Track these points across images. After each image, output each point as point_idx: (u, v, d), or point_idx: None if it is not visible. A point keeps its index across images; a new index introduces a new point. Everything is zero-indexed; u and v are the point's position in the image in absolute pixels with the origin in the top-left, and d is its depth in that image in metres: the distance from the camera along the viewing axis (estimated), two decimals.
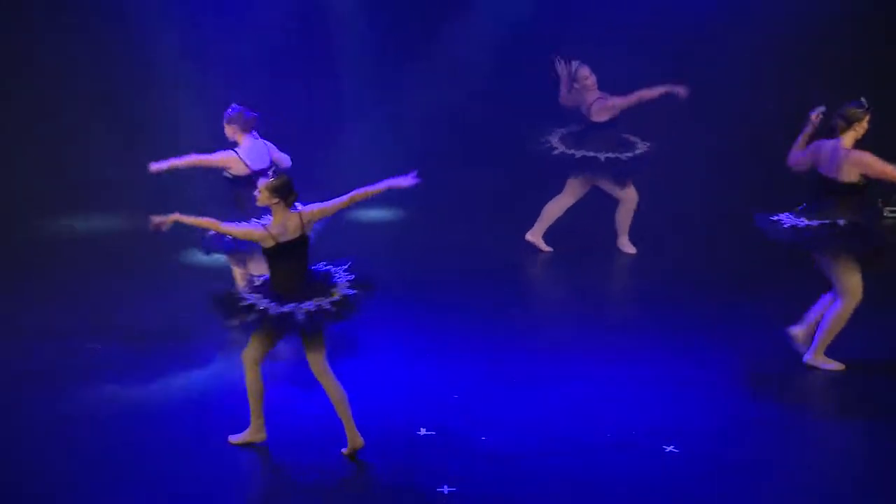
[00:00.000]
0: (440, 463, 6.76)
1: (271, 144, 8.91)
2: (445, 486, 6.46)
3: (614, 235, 10.85)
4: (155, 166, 8.73)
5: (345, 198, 6.94)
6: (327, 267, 7.03)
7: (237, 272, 8.95)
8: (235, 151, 8.75)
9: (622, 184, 10.65)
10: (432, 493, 6.40)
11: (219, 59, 12.12)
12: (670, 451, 6.85)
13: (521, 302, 9.72)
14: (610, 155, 10.43)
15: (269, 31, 12.26)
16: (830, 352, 8.06)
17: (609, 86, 10.77)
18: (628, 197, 10.69)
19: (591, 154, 10.43)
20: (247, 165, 8.70)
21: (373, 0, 12.23)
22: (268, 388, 7.15)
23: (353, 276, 6.93)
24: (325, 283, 6.88)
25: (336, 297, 6.78)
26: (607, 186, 10.69)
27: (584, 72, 10.51)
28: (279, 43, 12.31)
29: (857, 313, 8.00)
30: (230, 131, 8.79)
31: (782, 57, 11.61)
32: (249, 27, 12.27)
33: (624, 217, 10.80)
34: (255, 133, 8.85)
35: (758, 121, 11.65)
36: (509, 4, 12.21)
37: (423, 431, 7.16)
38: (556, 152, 10.57)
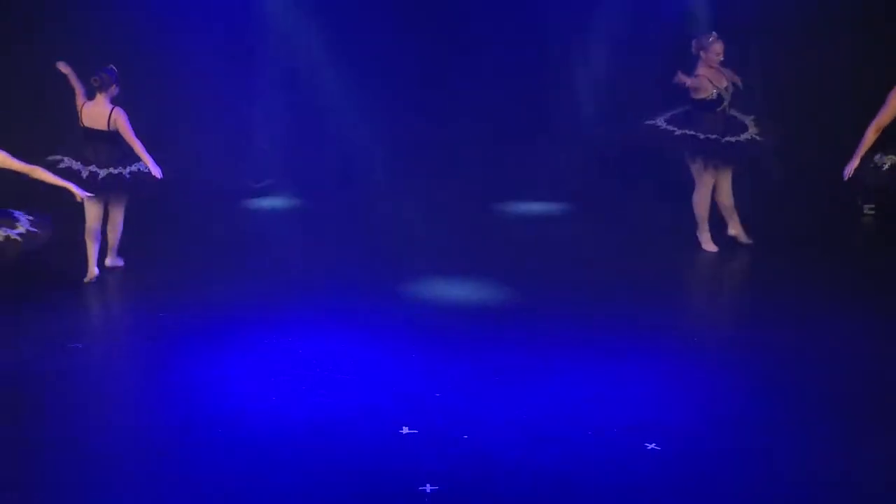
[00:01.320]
0: (422, 461, 6.76)
1: (124, 119, 9.81)
2: (428, 485, 6.45)
3: (601, 229, 11.00)
4: (63, 65, 9.98)
5: (28, 166, 8.20)
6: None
7: (92, 213, 10.07)
8: (84, 105, 9.89)
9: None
10: (414, 491, 6.40)
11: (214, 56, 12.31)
12: (652, 448, 6.86)
13: (503, 299, 9.74)
14: (710, 136, 10.34)
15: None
16: None
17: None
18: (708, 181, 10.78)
19: (691, 133, 10.35)
20: (80, 119, 9.88)
21: None
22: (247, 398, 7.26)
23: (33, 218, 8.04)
24: (6, 219, 7.86)
25: (21, 230, 7.79)
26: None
27: (718, 47, 10.29)
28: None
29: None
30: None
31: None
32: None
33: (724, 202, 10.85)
34: (108, 99, 9.85)
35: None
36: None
37: (405, 430, 7.16)
38: (661, 126, 10.51)
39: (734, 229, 10.87)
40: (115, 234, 10.31)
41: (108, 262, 10.44)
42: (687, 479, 6.56)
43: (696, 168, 10.62)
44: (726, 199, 10.71)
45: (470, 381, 7.93)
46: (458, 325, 9.04)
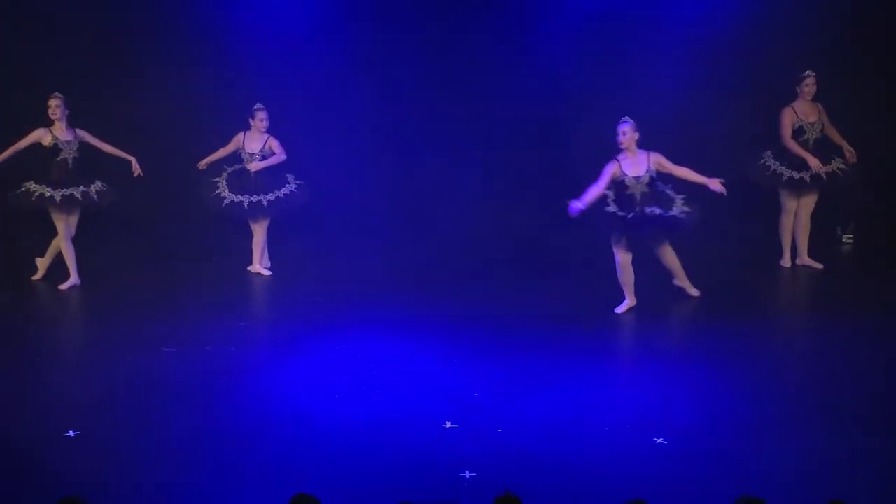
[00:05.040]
0: (463, 451, 7.28)
1: (276, 143, 11.37)
2: (467, 472, 6.96)
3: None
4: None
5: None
6: None
7: (257, 229, 11.48)
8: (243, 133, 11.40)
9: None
10: (455, 477, 6.93)
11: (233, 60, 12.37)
12: (660, 442, 7.38)
13: (537, 312, 10.14)
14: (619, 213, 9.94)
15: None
16: None
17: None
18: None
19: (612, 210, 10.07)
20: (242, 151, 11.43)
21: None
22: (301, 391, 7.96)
23: None
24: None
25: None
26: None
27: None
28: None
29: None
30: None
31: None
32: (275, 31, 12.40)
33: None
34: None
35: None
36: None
37: (448, 424, 7.70)
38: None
39: (681, 281, 10.54)
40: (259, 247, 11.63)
41: (253, 269, 11.61)
42: (690, 467, 7.11)
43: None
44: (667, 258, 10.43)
45: (504, 384, 8.44)
46: (494, 336, 9.49)
